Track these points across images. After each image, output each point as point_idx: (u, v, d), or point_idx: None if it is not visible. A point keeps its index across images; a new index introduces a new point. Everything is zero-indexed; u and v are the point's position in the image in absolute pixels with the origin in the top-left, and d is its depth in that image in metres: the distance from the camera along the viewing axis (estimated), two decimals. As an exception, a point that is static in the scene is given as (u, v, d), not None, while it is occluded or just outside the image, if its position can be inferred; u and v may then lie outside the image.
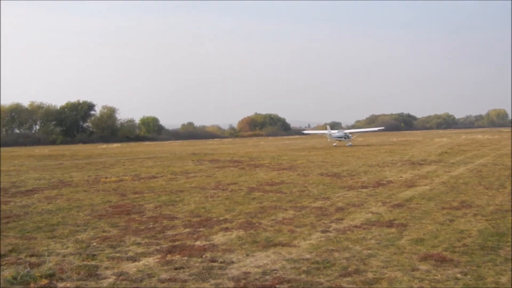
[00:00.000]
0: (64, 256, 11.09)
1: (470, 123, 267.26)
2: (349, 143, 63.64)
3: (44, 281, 9.20)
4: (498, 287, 8.65)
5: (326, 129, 67.68)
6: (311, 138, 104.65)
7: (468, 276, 9.11)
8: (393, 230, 12.97)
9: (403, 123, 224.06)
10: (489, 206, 16.30)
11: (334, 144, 64.36)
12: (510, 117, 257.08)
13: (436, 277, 9.07)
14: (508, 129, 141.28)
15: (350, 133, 68.31)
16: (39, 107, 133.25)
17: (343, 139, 64.66)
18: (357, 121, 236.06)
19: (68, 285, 9.06)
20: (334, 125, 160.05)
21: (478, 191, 19.70)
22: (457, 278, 9.01)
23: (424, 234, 12.41)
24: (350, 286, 8.71)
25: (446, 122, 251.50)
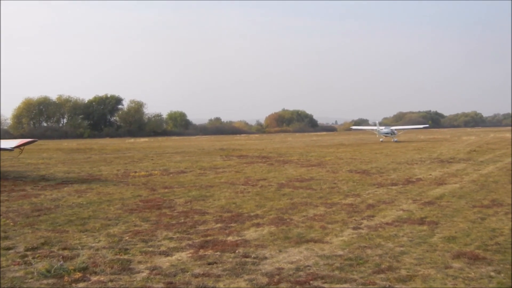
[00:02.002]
0: (96, 250, 11.20)
1: (498, 122, 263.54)
2: (395, 139, 67.17)
3: (78, 274, 9.27)
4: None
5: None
6: (338, 134, 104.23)
7: (502, 275, 9.12)
8: (424, 227, 12.99)
9: (431, 120, 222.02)
10: (520, 204, 16.22)
11: (381, 139, 67.79)
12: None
13: (469, 275, 9.08)
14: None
15: (396, 129, 71.97)
16: (67, 100, 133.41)
17: (389, 135, 68.53)
18: (385, 118, 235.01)
19: (101, 278, 9.15)
20: (362, 122, 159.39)
21: (509, 190, 19.62)
22: (490, 277, 9.02)
23: (456, 232, 12.43)
24: (384, 283, 8.74)
25: (474, 120, 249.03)
